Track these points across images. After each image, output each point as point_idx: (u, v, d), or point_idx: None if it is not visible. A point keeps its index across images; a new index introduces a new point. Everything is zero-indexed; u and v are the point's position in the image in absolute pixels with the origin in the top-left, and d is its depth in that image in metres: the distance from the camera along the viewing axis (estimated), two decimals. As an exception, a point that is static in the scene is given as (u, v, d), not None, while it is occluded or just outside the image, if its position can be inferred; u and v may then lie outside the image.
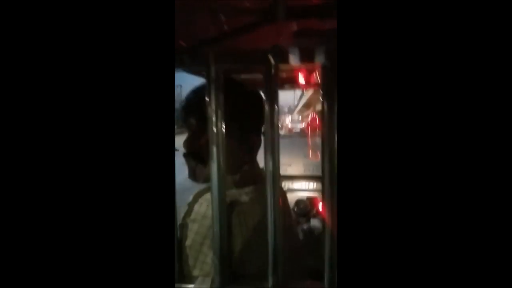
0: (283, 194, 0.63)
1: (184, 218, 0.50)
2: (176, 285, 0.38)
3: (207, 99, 0.35)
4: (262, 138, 0.54)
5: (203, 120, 0.46)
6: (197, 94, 0.50)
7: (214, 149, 0.35)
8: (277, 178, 0.35)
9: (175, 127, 0.31)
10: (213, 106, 0.34)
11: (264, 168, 0.54)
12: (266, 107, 0.34)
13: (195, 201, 0.51)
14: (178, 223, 0.47)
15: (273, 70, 0.33)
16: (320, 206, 1.30)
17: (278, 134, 0.34)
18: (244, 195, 0.48)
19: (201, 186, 0.53)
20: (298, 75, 0.89)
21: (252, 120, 0.51)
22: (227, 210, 0.37)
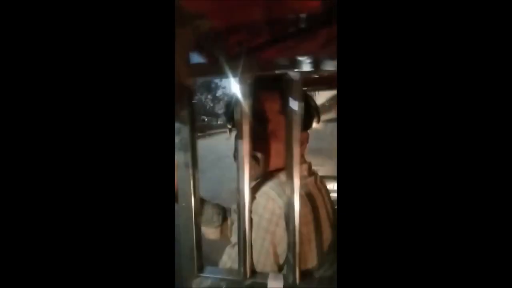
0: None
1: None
2: (248, 280, 0.39)
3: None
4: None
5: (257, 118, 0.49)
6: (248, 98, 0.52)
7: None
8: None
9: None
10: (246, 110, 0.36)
11: (309, 164, 0.56)
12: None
13: (253, 195, 0.53)
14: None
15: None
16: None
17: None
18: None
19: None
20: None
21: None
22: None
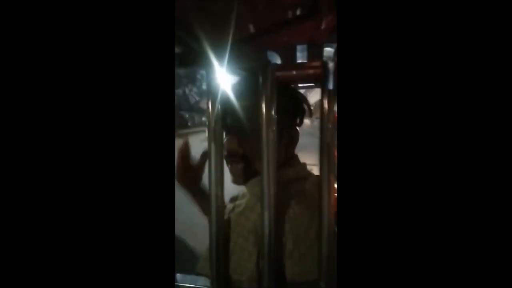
0: None
1: (230, 212, 0.48)
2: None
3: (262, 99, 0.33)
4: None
5: (247, 120, 0.45)
6: (239, 93, 0.48)
7: (265, 147, 0.33)
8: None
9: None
10: (264, 104, 0.33)
11: (304, 164, 0.54)
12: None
13: (244, 196, 0.50)
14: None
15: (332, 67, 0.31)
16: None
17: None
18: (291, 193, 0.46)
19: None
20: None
21: (290, 115, 0.50)
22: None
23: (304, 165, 0.53)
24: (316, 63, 0.31)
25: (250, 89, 0.43)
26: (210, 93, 0.35)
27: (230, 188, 0.48)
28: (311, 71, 0.32)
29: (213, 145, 0.36)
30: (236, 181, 0.50)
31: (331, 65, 0.30)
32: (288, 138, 0.50)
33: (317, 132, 0.34)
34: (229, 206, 0.50)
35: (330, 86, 0.31)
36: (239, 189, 0.53)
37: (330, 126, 0.33)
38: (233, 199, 0.52)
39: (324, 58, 0.31)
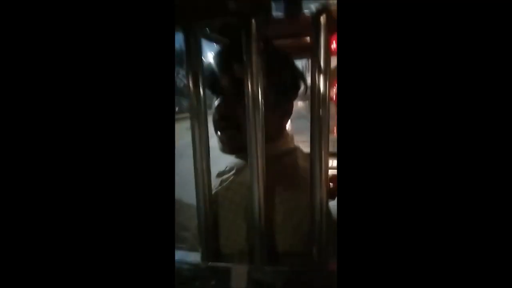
0: None
1: (217, 188, 0.47)
2: (210, 263, 0.36)
3: (245, 59, 0.31)
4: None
5: (239, 81, 0.41)
6: (231, 52, 0.44)
7: (252, 114, 0.31)
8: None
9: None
10: (251, 66, 0.30)
11: (293, 136, 0.52)
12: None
13: (231, 170, 0.48)
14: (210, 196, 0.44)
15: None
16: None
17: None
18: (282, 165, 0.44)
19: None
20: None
21: (286, 86, 0.47)
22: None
23: (290, 138, 0.52)
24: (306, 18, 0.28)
25: (237, 51, 0.41)
26: (192, 57, 0.33)
27: (216, 163, 0.46)
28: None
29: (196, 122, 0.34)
30: (224, 149, 0.47)
31: (322, 18, 0.28)
32: (281, 111, 0.48)
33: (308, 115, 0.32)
34: (216, 181, 0.48)
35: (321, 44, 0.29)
36: (225, 164, 0.52)
37: (322, 98, 0.31)
38: (220, 174, 0.50)
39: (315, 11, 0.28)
